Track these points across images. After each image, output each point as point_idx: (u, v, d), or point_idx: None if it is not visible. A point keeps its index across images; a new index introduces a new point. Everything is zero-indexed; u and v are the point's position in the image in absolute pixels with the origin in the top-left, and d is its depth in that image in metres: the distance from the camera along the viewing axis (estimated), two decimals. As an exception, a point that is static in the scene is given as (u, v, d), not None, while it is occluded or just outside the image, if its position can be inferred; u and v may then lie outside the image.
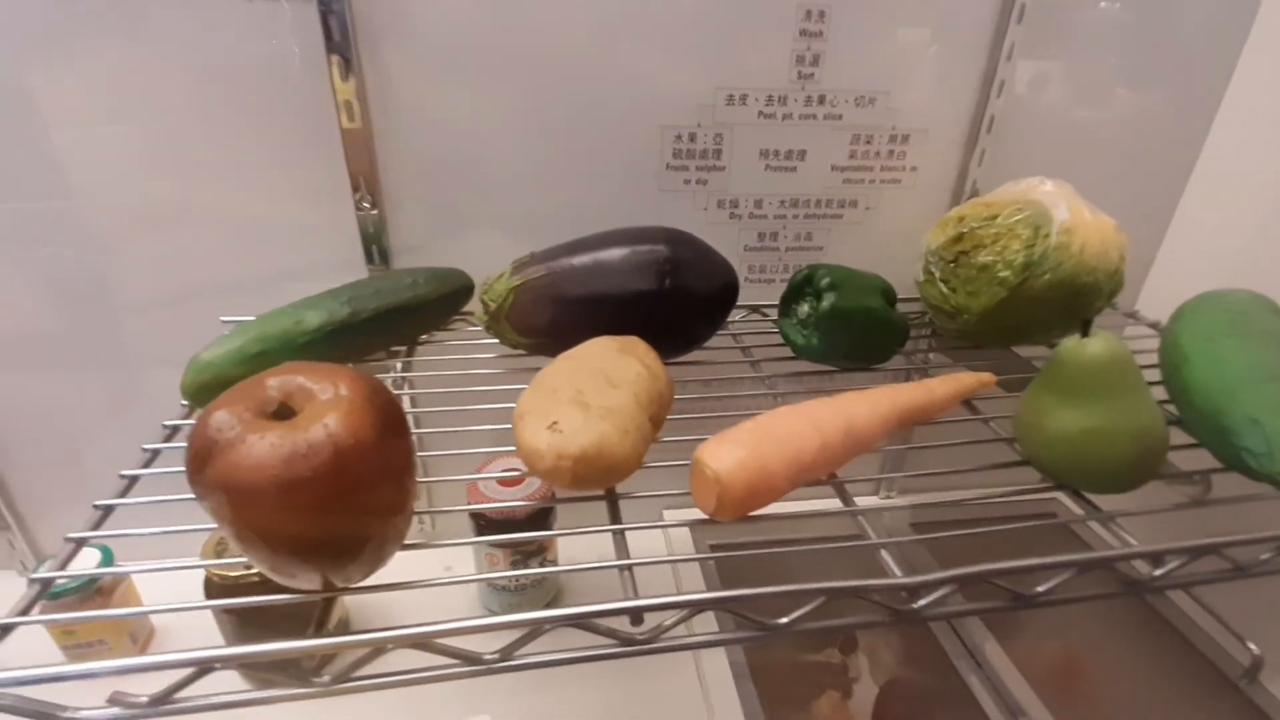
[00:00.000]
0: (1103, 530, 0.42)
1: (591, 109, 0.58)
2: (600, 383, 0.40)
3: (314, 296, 0.51)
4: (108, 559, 0.56)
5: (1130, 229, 0.53)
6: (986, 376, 0.49)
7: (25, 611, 0.33)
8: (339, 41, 0.52)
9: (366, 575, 0.33)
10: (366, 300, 0.51)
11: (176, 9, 0.50)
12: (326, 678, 0.32)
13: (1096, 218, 0.51)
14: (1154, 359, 0.50)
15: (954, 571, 0.35)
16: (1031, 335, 0.54)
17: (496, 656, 0.33)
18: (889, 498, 0.81)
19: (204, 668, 0.30)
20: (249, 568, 0.52)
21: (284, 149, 0.56)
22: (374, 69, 0.54)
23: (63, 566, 0.36)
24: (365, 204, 0.58)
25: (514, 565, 0.62)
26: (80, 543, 0.37)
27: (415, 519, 0.35)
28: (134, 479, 0.42)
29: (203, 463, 0.28)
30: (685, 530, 0.72)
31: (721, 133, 0.61)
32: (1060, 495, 0.43)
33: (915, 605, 0.36)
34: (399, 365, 0.55)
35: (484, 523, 0.59)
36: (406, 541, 0.35)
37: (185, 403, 0.47)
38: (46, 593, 0.35)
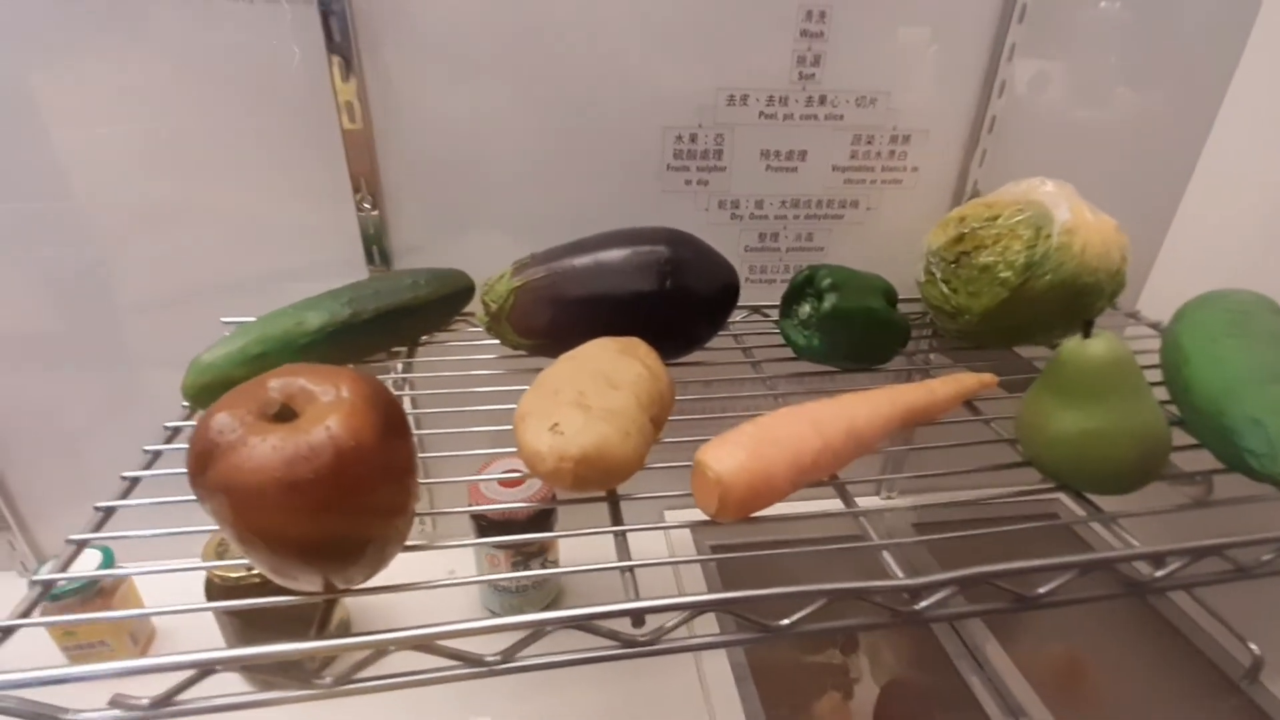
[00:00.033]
0: (1104, 531, 0.42)
1: (592, 109, 0.58)
2: (601, 384, 0.40)
3: (315, 297, 0.51)
4: (108, 560, 0.56)
5: (1131, 229, 0.53)
6: (988, 377, 0.49)
7: (27, 614, 0.33)
8: (340, 42, 0.52)
9: (368, 577, 0.33)
10: (367, 301, 0.51)
11: (177, 10, 0.50)
12: (328, 679, 0.32)
13: (1098, 218, 0.51)
14: (1155, 359, 0.50)
15: (956, 573, 0.35)
16: (1033, 336, 0.54)
17: (498, 658, 0.33)
18: (890, 498, 0.81)
19: (205, 670, 0.30)
20: (250, 569, 0.52)
21: (285, 150, 0.56)
22: (375, 69, 0.54)
23: (64, 568, 0.36)
24: (366, 205, 0.58)
25: (515, 566, 0.62)
26: (82, 545, 0.37)
27: (416, 520, 0.35)
28: (135, 480, 0.41)
29: (204, 465, 0.28)
30: (686, 531, 0.72)
31: (722, 133, 0.61)
32: (1062, 496, 0.43)
33: (917, 607, 0.36)
34: (400, 366, 0.55)
35: (485, 524, 0.59)
36: (408, 543, 0.35)
37: (186, 404, 0.47)
38: (48, 594, 0.35)
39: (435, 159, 0.58)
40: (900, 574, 0.36)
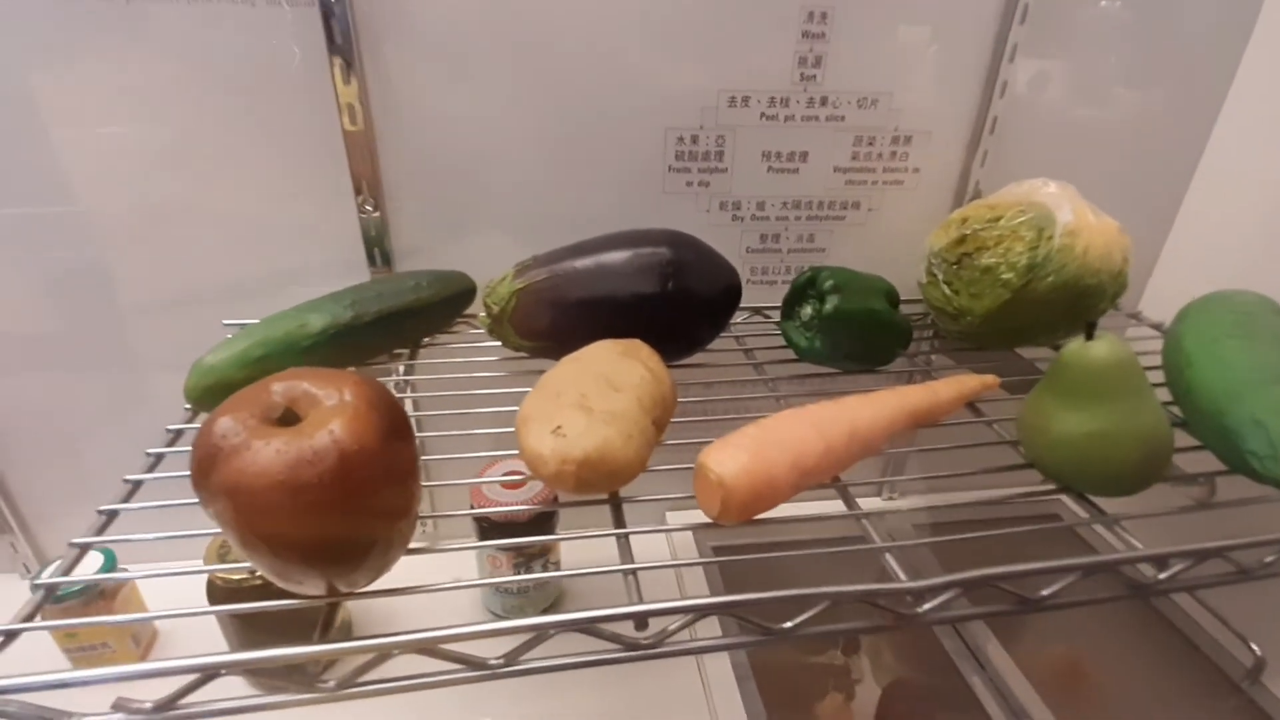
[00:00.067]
0: (1107, 533, 0.41)
1: (593, 111, 0.58)
2: (603, 386, 0.40)
3: (316, 300, 0.51)
4: (110, 562, 0.56)
5: (1133, 229, 0.53)
6: (990, 379, 0.49)
7: (30, 617, 0.33)
8: (341, 44, 0.52)
9: (372, 580, 0.33)
10: (369, 303, 0.51)
11: (178, 11, 0.50)
12: (331, 682, 0.32)
13: (1100, 219, 0.51)
14: (1157, 360, 0.49)
15: (959, 575, 0.35)
16: (1035, 337, 0.54)
17: (501, 661, 0.33)
18: (892, 499, 0.81)
19: (209, 673, 0.30)
20: (252, 571, 0.52)
21: (286, 151, 0.56)
22: (376, 71, 0.54)
23: (67, 572, 0.36)
24: (368, 207, 0.58)
25: (517, 568, 0.62)
26: (84, 548, 0.37)
27: (418, 523, 0.35)
28: (138, 484, 0.42)
29: (208, 469, 0.28)
30: (688, 532, 0.72)
31: (724, 134, 0.60)
32: (1064, 498, 0.43)
33: (920, 609, 0.36)
34: (401, 368, 0.55)
35: (487, 526, 0.59)
36: (410, 545, 0.35)
37: (188, 406, 0.47)
38: (50, 598, 0.35)
39: (436, 160, 0.58)
40: (903, 576, 0.36)
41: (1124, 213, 0.53)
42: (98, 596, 0.57)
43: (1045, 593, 0.37)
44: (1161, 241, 0.72)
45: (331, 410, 0.30)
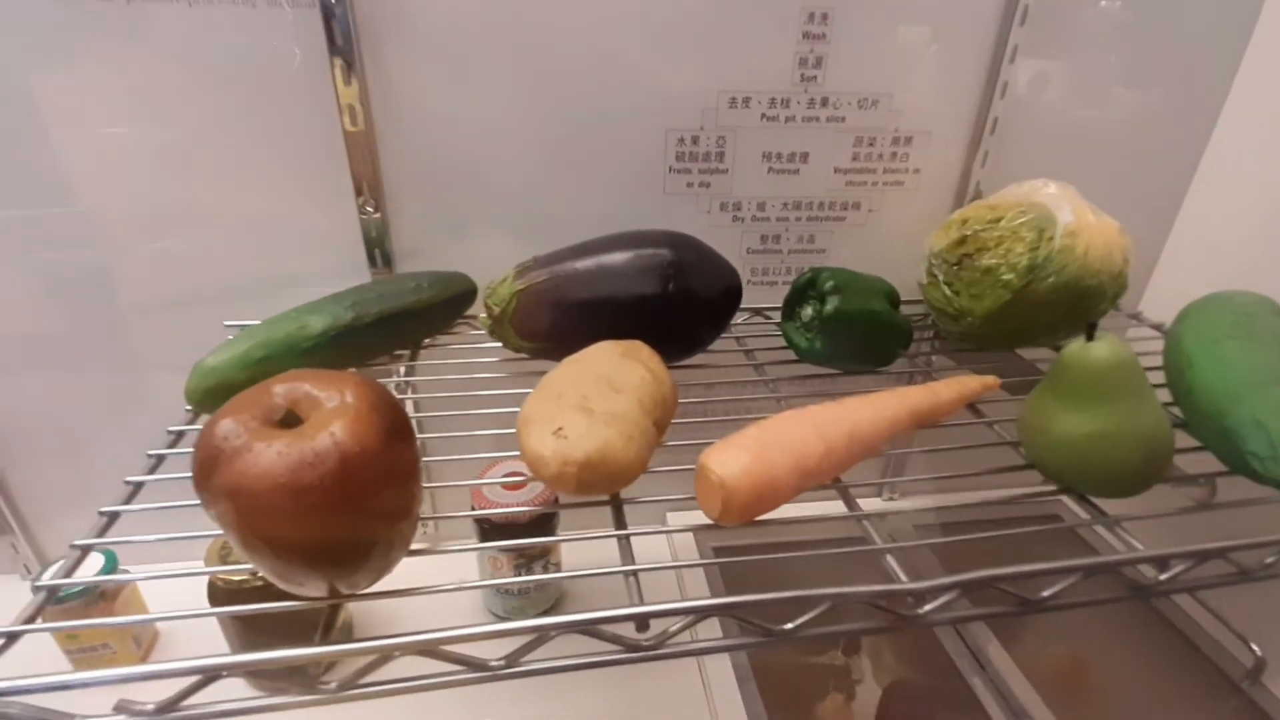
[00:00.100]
0: (1108, 534, 0.41)
1: (594, 112, 0.58)
2: (604, 388, 0.40)
3: (317, 301, 0.51)
4: (111, 563, 0.56)
5: (1134, 230, 0.53)
6: (991, 380, 0.49)
7: (32, 619, 0.33)
8: (342, 45, 0.52)
9: (373, 582, 0.33)
10: (370, 304, 0.51)
11: (179, 12, 0.50)
12: (333, 683, 0.32)
13: (1100, 220, 0.51)
14: (1158, 361, 0.49)
15: (960, 577, 0.35)
16: (1035, 338, 0.54)
17: (503, 663, 0.33)
18: (892, 500, 0.81)
19: (211, 675, 0.30)
20: (254, 573, 0.52)
21: (286, 152, 0.56)
22: (376, 72, 0.54)
23: (68, 574, 0.36)
24: (368, 208, 0.58)
25: (518, 569, 0.62)
26: (86, 550, 0.37)
27: (419, 524, 0.35)
28: (139, 485, 0.42)
29: (210, 471, 0.28)
30: (689, 533, 0.72)
31: (724, 135, 0.61)
32: (1065, 499, 0.43)
33: (921, 611, 0.36)
34: (402, 369, 0.55)
35: (488, 527, 0.59)
36: (411, 547, 0.35)
37: (189, 407, 0.47)
38: (52, 600, 0.35)
39: (437, 161, 0.58)
40: (904, 577, 0.36)
41: (1124, 213, 0.53)
42: (99, 598, 0.57)
43: (1046, 594, 0.37)
44: (1162, 242, 0.72)
45: (333, 412, 0.30)
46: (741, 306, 0.55)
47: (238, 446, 0.28)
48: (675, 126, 0.59)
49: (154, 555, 0.58)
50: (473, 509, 0.58)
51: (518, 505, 0.58)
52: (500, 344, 0.54)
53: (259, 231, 0.58)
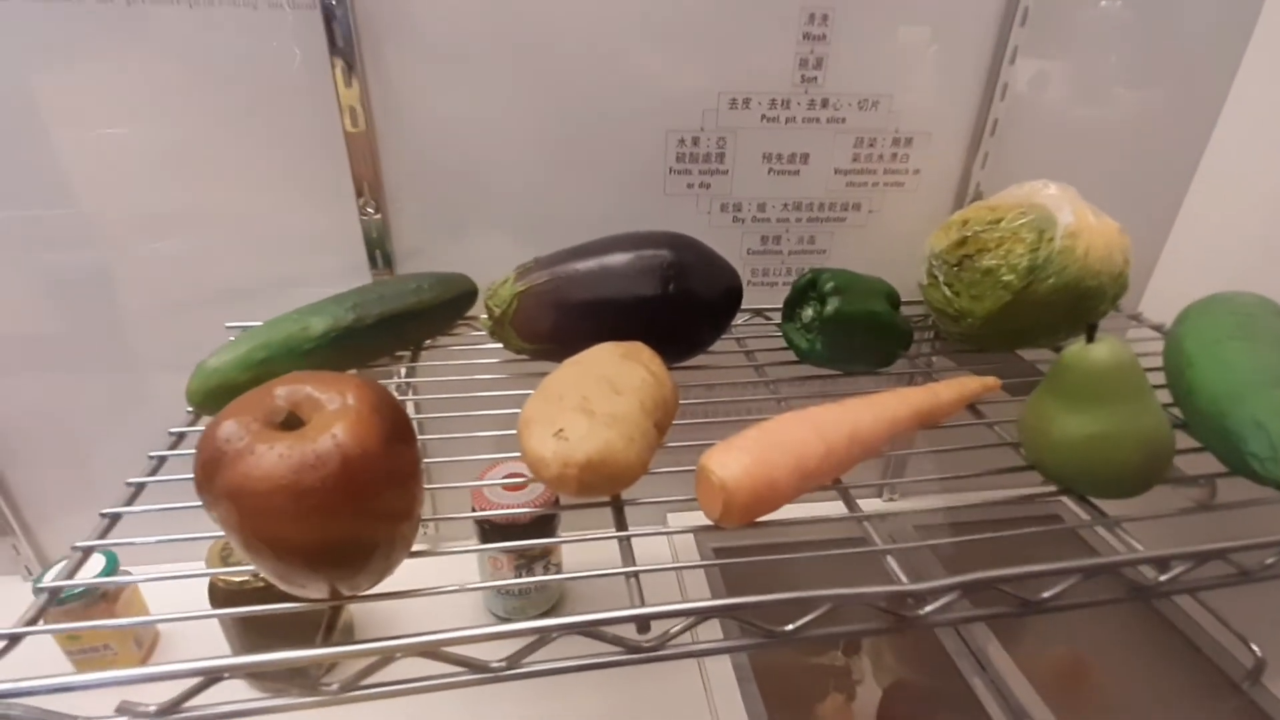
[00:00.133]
0: (1108, 535, 0.41)
1: (595, 113, 0.58)
2: (605, 389, 0.40)
3: (318, 302, 0.51)
4: (112, 564, 0.56)
5: (1134, 231, 0.53)
6: (991, 381, 0.49)
7: (33, 621, 0.33)
8: (342, 46, 0.52)
9: (375, 583, 0.33)
10: (371, 306, 0.51)
11: (179, 13, 0.50)
12: (334, 685, 0.32)
13: (1100, 221, 0.51)
14: (1158, 362, 0.50)
15: (960, 578, 0.35)
16: (1036, 339, 0.55)
17: (504, 664, 0.33)
18: (893, 500, 0.81)
19: (212, 677, 0.30)
20: (255, 574, 0.52)
21: (287, 153, 0.56)
22: (377, 73, 0.54)
23: (70, 575, 0.36)
24: (369, 209, 0.58)
25: (518, 570, 0.62)
26: (87, 551, 0.37)
27: (420, 525, 0.35)
28: (140, 486, 0.42)
29: (211, 473, 0.28)
30: (689, 534, 0.72)
31: (725, 136, 0.61)
32: (1065, 500, 0.43)
33: (922, 612, 0.36)
34: (403, 370, 0.55)
35: (488, 528, 0.60)
36: (412, 548, 0.35)
37: (190, 409, 0.47)
38: (54, 602, 0.35)
39: (438, 162, 0.58)
40: (904, 579, 0.36)
41: (1124, 214, 0.53)
42: (100, 599, 0.57)
43: (1046, 594, 0.37)
44: (1162, 243, 0.72)
45: (334, 414, 0.30)
46: (742, 307, 0.55)
47: (240, 448, 0.28)
48: (675, 127, 0.60)
49: (155, 556, 0.59)
50: (473, 510, 0.58)
51: (518, 506, 0.58)
52: (501, 345, 0.54)
53: (260, 232, 0.58)
